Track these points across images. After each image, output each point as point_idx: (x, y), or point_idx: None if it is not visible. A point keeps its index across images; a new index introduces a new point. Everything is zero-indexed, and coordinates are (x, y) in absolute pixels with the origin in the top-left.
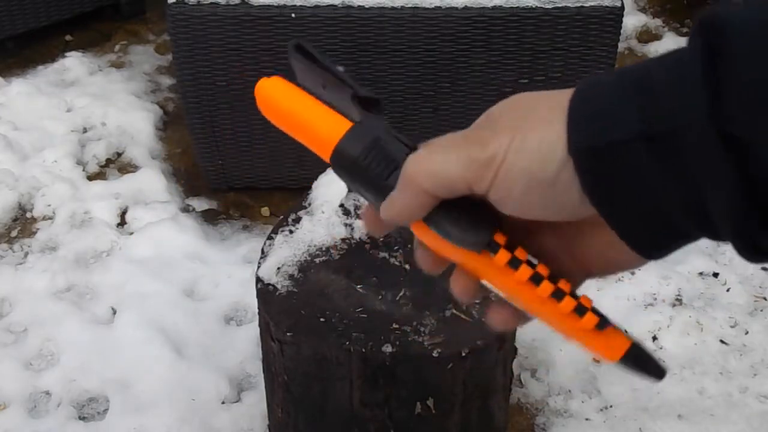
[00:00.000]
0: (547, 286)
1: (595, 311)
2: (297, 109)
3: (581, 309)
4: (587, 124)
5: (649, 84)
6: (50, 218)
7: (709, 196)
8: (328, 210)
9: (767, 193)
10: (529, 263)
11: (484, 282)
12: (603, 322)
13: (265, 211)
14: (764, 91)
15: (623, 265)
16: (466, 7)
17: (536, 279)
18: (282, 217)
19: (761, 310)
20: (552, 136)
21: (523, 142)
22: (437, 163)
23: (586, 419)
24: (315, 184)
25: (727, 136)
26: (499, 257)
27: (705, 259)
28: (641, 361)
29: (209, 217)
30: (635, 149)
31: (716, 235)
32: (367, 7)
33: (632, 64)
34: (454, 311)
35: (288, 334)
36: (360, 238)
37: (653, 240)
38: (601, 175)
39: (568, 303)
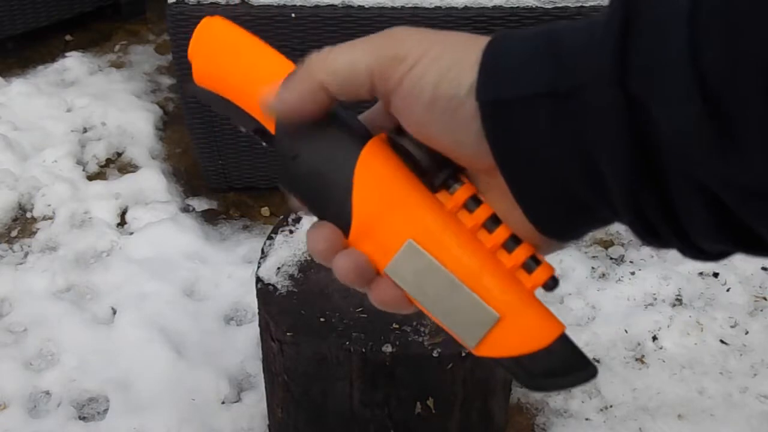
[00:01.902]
0: (503, 232)
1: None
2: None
3: (535, 260)
4: (495, 75)
5: (560, 43)
6: (50, 218)
7: (604, 162)
8: None
9: (662, 168)
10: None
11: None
12: (553, 283)
13: (265, 211)
14: (664, 52)
15: (528, 241)
16: (466, 7)
17: (494, 221)
18: (282, 217)
19: (761, 310)
20: (466, 65)
21: (440, 54)
22: (343, 56)
23: (586, 419)
24: None
25: (626, 95)
26: (460, 194)
27: None
28: (571, 350)
29: (209, 217)
30: (538, 106)
31: (616, 213)
32: (367, 7)
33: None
34: None
35: (288, 334)
36: None
37: (553, 213)
38: (504, 131)
39: (522, 251)
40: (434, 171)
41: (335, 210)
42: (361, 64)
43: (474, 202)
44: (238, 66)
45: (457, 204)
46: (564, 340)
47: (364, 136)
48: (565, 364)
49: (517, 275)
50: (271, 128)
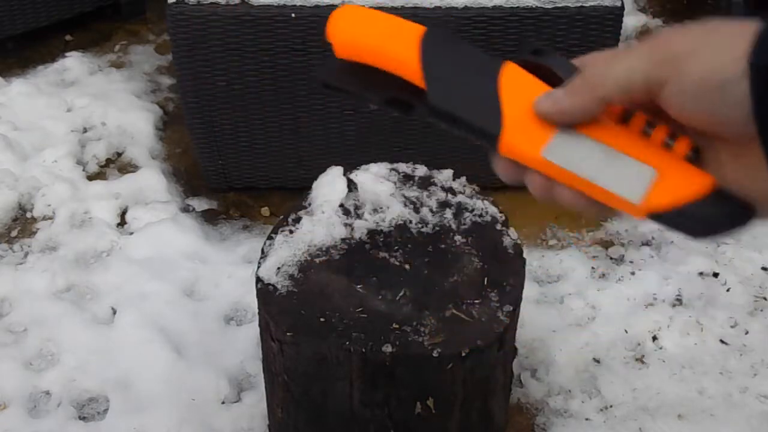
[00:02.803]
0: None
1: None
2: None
3: (673, 135)
4: None
5: None
6: (50, 218)
7: None
8: (328, 210)
9: None
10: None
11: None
12: (696, 154)
13: (265, 211)
14: None
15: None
16: (466, 7)
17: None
18: (282, 217)
19: (761, 310)
20: (734, 50)
21: (704, 48)
22: (620, 66)
23: (586, 419)
24: (315, 184)
25: None
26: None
27: (705, 259)
28: (726, 199)
29: (209, 217)
30: None
31: None
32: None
33: None
34: (454, 311)
35: (288, 334)
36: (360, 238)
37: None
38: None
39: (659, 132)
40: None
41: (486, 122)
42: (637, 73)
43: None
44: (377, 35)
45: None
46: (720, 189)
47: (497, 61)
48: (725, 210)
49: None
50: (421, 84)
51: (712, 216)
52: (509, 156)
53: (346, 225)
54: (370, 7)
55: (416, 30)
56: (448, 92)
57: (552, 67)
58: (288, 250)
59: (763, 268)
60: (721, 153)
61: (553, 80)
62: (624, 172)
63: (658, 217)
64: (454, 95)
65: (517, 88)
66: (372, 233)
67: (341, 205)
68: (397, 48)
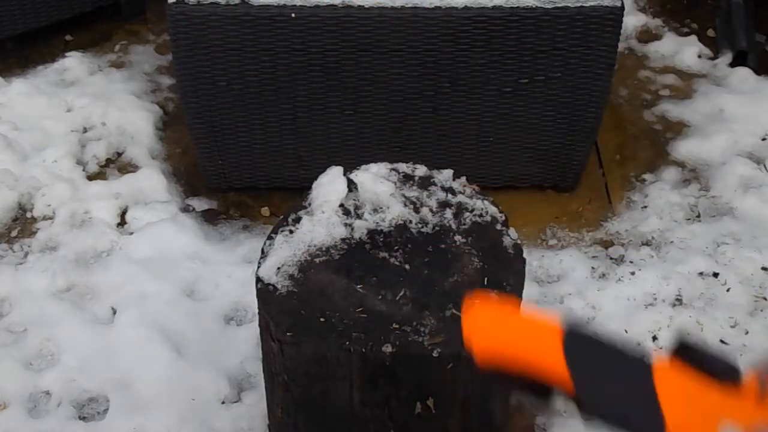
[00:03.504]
0: None
1: None
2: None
3: None
4: None
5: None
6: (50, 218)
7: None
8: (328, 210)
9: None
10: None
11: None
12: None
13: (265, 211)
14: None
15: None
16: (466, 7)
17: None
18: (282, 217)
19: (761, 310)
20: None
21: None
22: None
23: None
24: (315, 184)
25: None
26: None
27: (705, 259)
28: None
29: (209, 217)
30: None
31: None
32: (367, 7)
33: None
34: (454, 311)
35: (288, 334)
36: (360, 238)
37: None
38: None
39: None
40: (730, 373)
41: (647, 424)
42: None
43: None
44: (519, 345)
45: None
46: None
47: (646, 360)
48: None
49: None
50: (570, 389)
51: None
52: None
53: (346, 225)
54: (498, 305)
55: (555, 333)
56: (603, 397)
57: (703, 365)
58: (288, 250)
59: (763, 268)
60: None
61: (703, 370)
62: None
63: None
64: (608, 399)
65: (675, 386)
66: (372, 233)
67: (341, 205)
68: (541, 358)
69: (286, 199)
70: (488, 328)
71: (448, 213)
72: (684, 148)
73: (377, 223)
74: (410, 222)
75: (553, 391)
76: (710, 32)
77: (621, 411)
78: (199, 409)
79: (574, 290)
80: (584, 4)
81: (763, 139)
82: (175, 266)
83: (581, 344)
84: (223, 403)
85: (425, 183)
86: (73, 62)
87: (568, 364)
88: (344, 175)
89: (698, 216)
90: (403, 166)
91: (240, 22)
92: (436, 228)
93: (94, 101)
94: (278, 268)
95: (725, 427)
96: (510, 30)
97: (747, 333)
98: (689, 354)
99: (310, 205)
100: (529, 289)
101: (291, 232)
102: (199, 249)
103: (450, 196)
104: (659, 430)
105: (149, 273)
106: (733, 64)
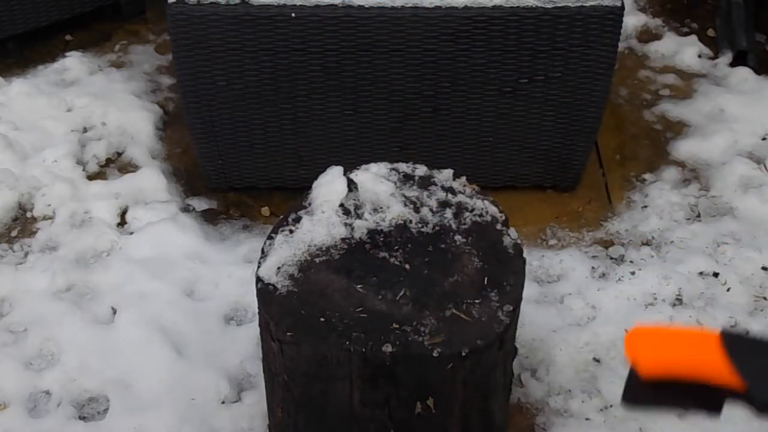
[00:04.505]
0: None
1: None
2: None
3: None
4: None
5: None
6: (50, 218)
7: None
8: (328, 210)
9: None
10: None
11: None
12: None
13: (265, 211)
14: None
15: None
16: (466, 7)
17: None
18: (282, 217)
19: (761, 310)
20: None
21: None
22: None
23: (586, 419)
24: (315, 184)
25: None
26: None
27: (705, 259)
28: None
29: (209, 217)
30: None
31: None
32: (367, 7)
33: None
34: (454, 311)
35: (288, 334)
36: (360, 238)
37: None
38: None
39: None
40: None
41: None
42: None
43: None
44: (680, 351)
45: None
46: None
47: None
48: None
49: None
50: (736, 385)
51: None
52: None
53: (346, 225)
54: (655, 327)
55: (712, 337)
56: None
57: None
58: (288, 249)
59: (763, 268)
60: None
61: None
62: None
63: None
64: None
65: None
66: (372, 233)
67: (341, 205)
68: (704, 359)
69: (286, 199)
70: (652, 344)
71: (448, 213)
72: (684, 148)
73: (377, 223)
74: (410, 222)
75: (723, 398)
76: (710, 32)
77: None
78: (199, 409)
79: (574, 290)
80: (584, 4)
81: (763, 139)
82: (175, 266)
83: (740, 341)
84: (223, 403)
85: (425, 183)
86: (73, 62)
87: (732, 360)
88: (344, 175)
89: (698, 216)
90: (403, 166)
91: (240, 22)
92: (436, 228)
93: (94, 101)
94: (278, 268)
95: None
96: (510, 30)
97: (747, 333)
98: None
99: (310, 205)
100: (529, 289)
101: (291, 232)
102: (199, 249)
103: (450, 195)
104: None
105: (149, 273)
106: (733, 64)
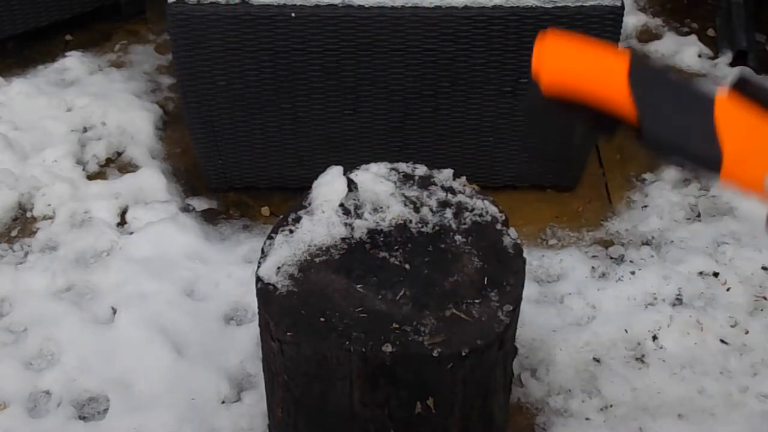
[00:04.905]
0: None
1: None
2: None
3: None
4: None
5: None
6: (50, 218)
7: None
8: (328, 210)
9: None
10: None
11: None
12: None
13: (265, 211)
14: None
15: None
16: (466, 7)
17: None
18: (282, 217)
19: (761, 310)
20: None
21: None
22: None
23: (586, 419)
24: (315, 184)
25: None
26: None
27: (705, 258)
28: None
29: (209, 217)
30: None
31: None
32: (367, 7)
33: None
34: (454, 311)
35: (288, 334)
36: (360, 238)
37: None
38: None
39: None
40: None
41: (705, 153)
42: None
43: None
44: (584, 74)
45: None
46: None
47: (710, 92)
48: None
49: None
50: (633, 118)
51: None
52: (731, 181)
53: (346, 225)
54: (568, 37)
55: (622, 64)
56: (664, 125)
57: (763, 100)
58: (288, 249)
59: (763, 268)
60: None
61: (763, 105)
62: None
63: None
64: (669, 127)
65: (734, 117)
66: (372, 233)
67: (341, 205)
68: (606, 87)
69: (286, 199)
70: (557, 56)
71: (448, 213)
72: None
73: (377, 222)
74: (410, 222)
75: (617, 124)
76: (710, 32)
77: (680, 140)
78: (199, 409)
79: (574, 290)
80: (584, 4)
81: None
82: (175, 266)
83: (647, 74)
84: (223, 402)
85: (425, 182)
86: (73, 62)
87: (632, 91)
88: (344, 174)
89: (698, 216)
90: (403, 166)
91: (240, 22)
92: (436, 228)
93: (94, 101)
94: (278, 268)
95: None
96: (510, 30)
97: (747, 333)
98: (749, 88)
99: (310, 204)
100: (529, 289)
101: (291, 231)
102: (199, 249)
103: (450, 195)
104: (716, 160)
105: (149, 273)
106: (733, 64)
